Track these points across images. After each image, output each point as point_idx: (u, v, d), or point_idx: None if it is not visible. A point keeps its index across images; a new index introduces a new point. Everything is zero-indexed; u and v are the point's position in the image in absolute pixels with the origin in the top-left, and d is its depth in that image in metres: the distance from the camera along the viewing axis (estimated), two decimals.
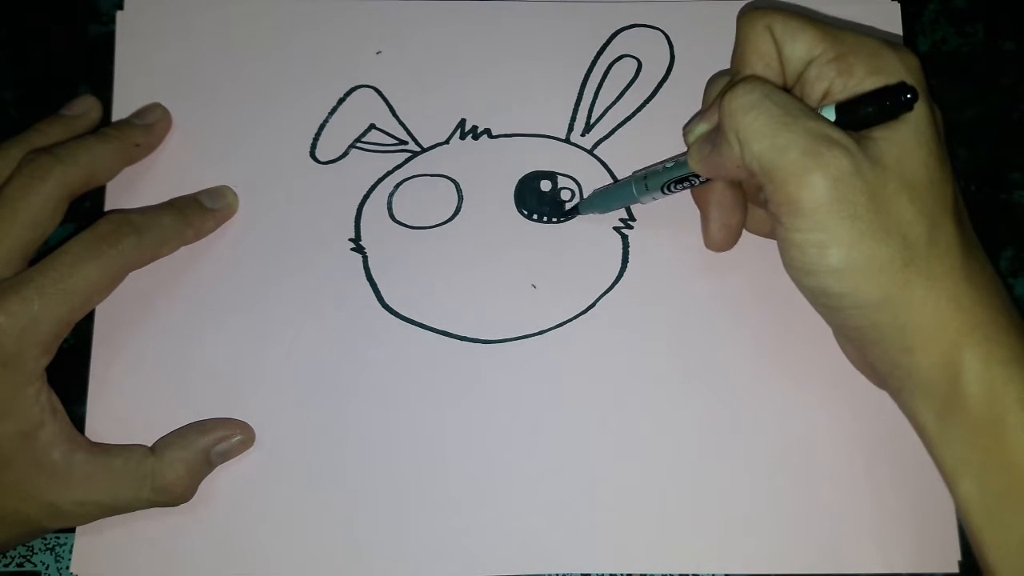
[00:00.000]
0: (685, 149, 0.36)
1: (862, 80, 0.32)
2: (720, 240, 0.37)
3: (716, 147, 0.33)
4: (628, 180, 0.38)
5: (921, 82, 0.32)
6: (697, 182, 0.36)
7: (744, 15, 0.34)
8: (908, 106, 0.31)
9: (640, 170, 0.39)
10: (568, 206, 0.40)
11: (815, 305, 0.34)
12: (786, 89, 0.34)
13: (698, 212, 0.38)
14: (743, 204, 0.37)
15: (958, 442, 0.31)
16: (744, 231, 0.38)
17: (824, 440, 0.38)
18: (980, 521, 0.31)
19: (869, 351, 0.33)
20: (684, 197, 0.39)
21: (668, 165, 0.36)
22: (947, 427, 0.31)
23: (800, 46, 0.33)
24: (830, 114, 0.32)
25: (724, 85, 0.35)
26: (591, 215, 0.40)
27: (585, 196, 0.40)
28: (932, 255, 0.31)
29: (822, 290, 0.32)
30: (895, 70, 0.32)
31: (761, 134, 0.31)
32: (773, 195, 0.31)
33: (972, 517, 0.31)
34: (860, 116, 0.31)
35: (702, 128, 0.35)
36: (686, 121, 0.38)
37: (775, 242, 0.35)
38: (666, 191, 0.37)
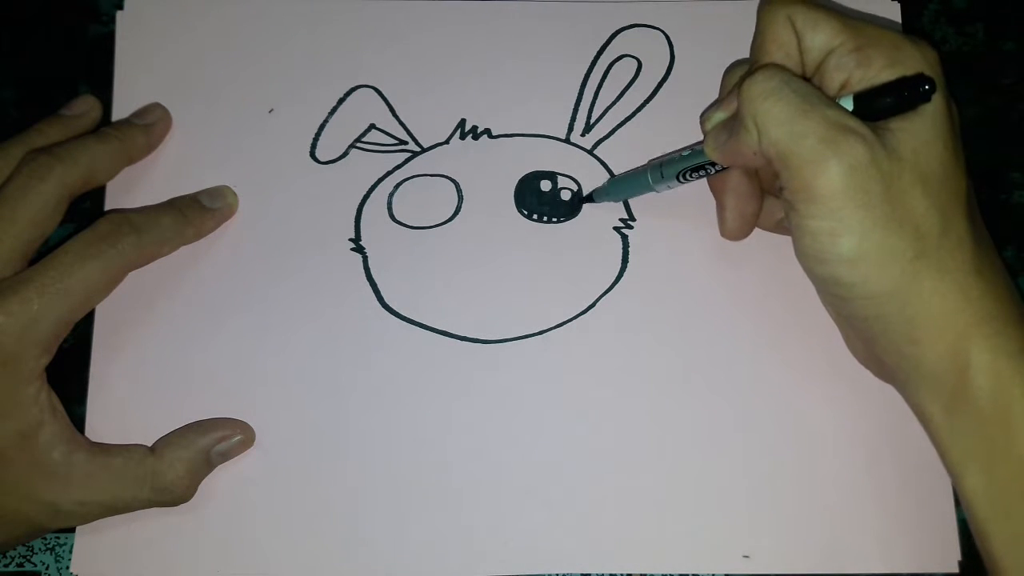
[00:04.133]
0: (694, 141, 0.36)
1: (880, 71, 0.32)
2: (736, 229, 0.37)
3: (733, 134, 0.33)
4: (644, 168, 0.38)
5: (939, 76, 0.32)
6: (713, 170, 0.36)
7: (765, 4, 0.34)
8: (926, 97, 0.31)
9: (656, 158, 0.38)
10: (582, 194, 0.40)
11: (824, 295, 0.34)
12: (805, 79, 0.34)
13: (698, 211, 0.38)
14: (759, 193, 0.37)
15: (965, 434, 0.31)
16: None
17: (824, 440, 0.38)
18: (986, 513, 0.31)
19: (877, 343, 0.33)
20: (685, 196, 0.39)
21: (684, 153, 0.36)
22: (954, 419, 0.32)
23: (821, 36, 0.33)
24: (848, 104, 0.32)
25: (743, 73, 0.35)
26: (606, 203, 0.40)
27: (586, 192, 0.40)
28: (943, 248, 0.31)
29: (833, 279, 0.32)
30: (914, 63, 0.32)
31: (779, 121, 0.31)
32: (789, 182, 0.31)
33: (977, 509, 0.31)
34: (878, 107, 0.31)
35: (720, 116, 0.35)
36: (686, 121, 0.38)
37: (777, 241, 0.35)
38: (682, 179, 0.37)
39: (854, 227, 0.30)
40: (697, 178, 0.36)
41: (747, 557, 0.36)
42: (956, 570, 0.37)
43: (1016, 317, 0.32)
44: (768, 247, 0.38)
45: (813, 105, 0.31)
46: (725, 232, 0.38)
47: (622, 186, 0.39)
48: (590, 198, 0.40)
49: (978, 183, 0.42)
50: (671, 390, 0.38)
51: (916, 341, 0.31)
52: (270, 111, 0.40)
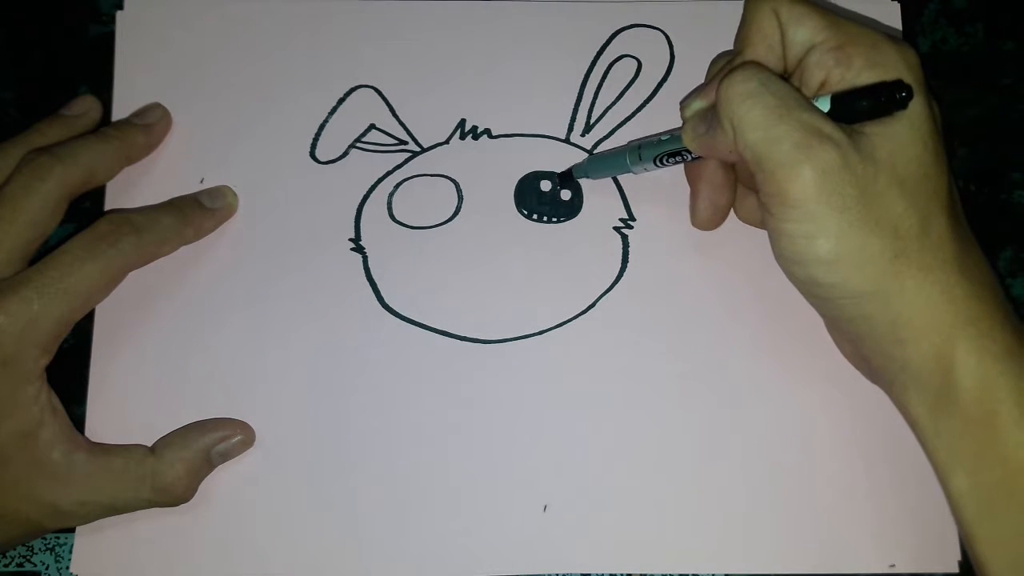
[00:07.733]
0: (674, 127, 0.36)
1: (860, 72, 0.32)
2: (706, 219, 0.37)
3: (711, 128, 0.33)
4: (623, 149, 0.38)
5: (919, 78, 0.32)
6: (690, 157, 0.36)
7: None
8: (902, 104, 0.31)
9: (635, 140, 0.39)
10: (568, 174, 0.40)
11: (807, 296, 0.34)
12: (786, 75, 0.34)
13: None
14: (733, 185, 0.37)
15: (951, 436, 0.31)
16: (739, 223, 0.39)
17: (824, 440, 0.38)
18: (972, 515, 0.31)
19: (862, 344, 0.33)
20: (685, 196, 0.39)
21: (663, 138, 0.36)
22: (940, 420, 0.32)
23: (803, 31, 0.33)
24: (825, 105, 0.32)
25: (724, 64, 0.35)
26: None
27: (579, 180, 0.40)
28: (924, 247, 0.31)
29: (812, 280, 0.32)
30: (894, 65, 0.32)
31: (755, 124, 0.31)
32: (763, 185, 0.31)
33: (964, 511, 0.31)
34: (854, 109, 0.31)
35: (699, 105, 0.35)
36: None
37: None
38: (659, 164, 0.37)
39: (830, 230, 0.30)
40: (674, 163, 0.37)
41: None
42: (956, 570, 0.37)
43: (1001, 318, 0.32)
44: (767, 249, 0.38)
45: (789, 109, 0.31)
46: (695, 221, 0.38)
47: (600, 164, 0.39)
48: (568, 173, 0.40)
49: (978, 183, 0.42)
50: (670, 390, 0.38)
51: (901, 341, 0.32)
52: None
